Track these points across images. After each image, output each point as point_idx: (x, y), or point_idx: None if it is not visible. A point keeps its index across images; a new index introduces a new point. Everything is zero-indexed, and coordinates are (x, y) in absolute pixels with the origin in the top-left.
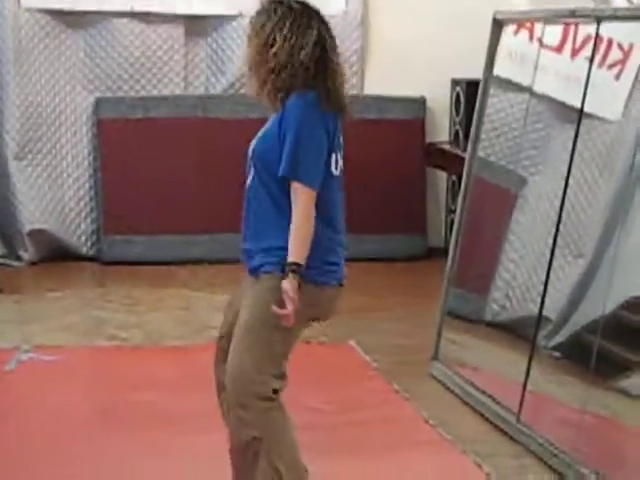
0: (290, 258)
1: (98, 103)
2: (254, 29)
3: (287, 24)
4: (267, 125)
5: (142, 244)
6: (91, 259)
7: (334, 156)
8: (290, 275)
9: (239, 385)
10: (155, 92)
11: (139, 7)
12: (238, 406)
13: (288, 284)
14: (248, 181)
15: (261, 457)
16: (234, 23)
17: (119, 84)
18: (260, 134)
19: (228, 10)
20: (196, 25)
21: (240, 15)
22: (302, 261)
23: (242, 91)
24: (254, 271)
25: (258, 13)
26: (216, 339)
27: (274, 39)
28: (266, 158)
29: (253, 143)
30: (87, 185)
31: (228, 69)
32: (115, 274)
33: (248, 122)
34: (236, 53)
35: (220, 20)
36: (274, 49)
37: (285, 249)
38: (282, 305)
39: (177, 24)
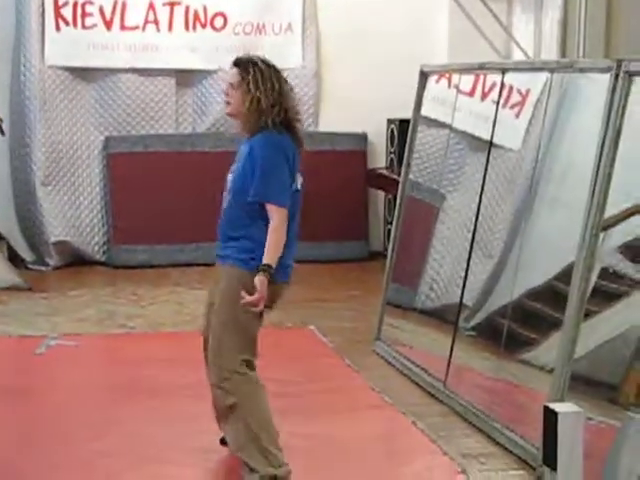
0: (265, 260)
1: (107, 141)
2: (237, 81)
3: (260, 79)
4: (238, 160)
5: (143, 252)
6: (103, 264)
7: (295, 176)
8: (262, 273)
9: (220, 362)
10: (152, 131)
11: (139, 64)
12: (220, 379)
13: (260, 280)
14: (225, 203)
15: (238, 419)
16: (215, 75)
17: (124, 125)
18: (234, 169)
19: (210, 65)
20: (185, 77)
21: (220, 69)
22: (274, 264)
23: (221, 129)
24: (224, 259)
25: (239, 69)
26: (202, 327)
27: (251, 90)
28: (240, 187)
29: (229, 177)
30: (99, 206)
31: (210, 112)
32: (122, 276)
33: (227, 154)
34: (216, 99)
35: (204, 73)
36: (250, 97)
37: (251, 251)
38: (250, 294)
39: (169, 77)
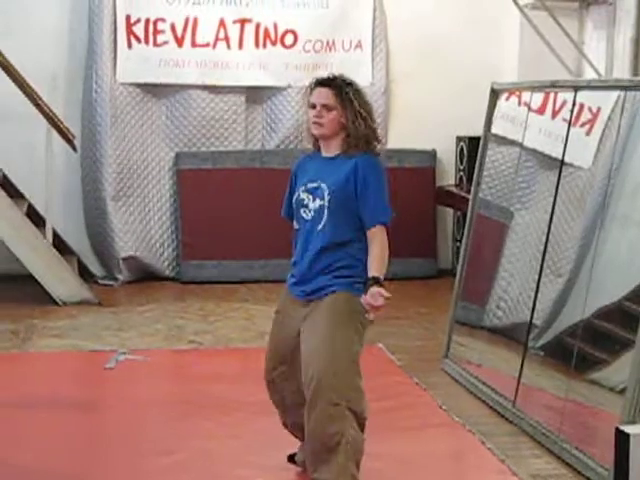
0: (377, 273)
1: (177, 157)
2: (333, 101)
3: (361, 99)
4: (320, 179)
5: (212, 268)
6: (172, 279)
7: None
8: (377, 285)
9: (335, 386)
10: (222, 148)
11: (209, 81)
12: (330, 404)
13: (378, 291)
14: (320, 225)
15: (340, 450)
16: (284, 92)
17: (194, 141)
18: (327, 182)
19: (280, 82)
20: (254, 94)
21: (289, 86)
22: (382, 277)
23: (290, 146)
24: (315, 293)
25: (334, 90)
26: (270, 367)
27: (360, 111)
28: (346, 203)
29: (328, 189)
30: (169, 221)
31: (279, 129)
32: (191, 291)
33: None
34: (286, 116)
35: (273, 90)
36: (358, 118)
37: (353, 274)
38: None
39: (239, 94)
